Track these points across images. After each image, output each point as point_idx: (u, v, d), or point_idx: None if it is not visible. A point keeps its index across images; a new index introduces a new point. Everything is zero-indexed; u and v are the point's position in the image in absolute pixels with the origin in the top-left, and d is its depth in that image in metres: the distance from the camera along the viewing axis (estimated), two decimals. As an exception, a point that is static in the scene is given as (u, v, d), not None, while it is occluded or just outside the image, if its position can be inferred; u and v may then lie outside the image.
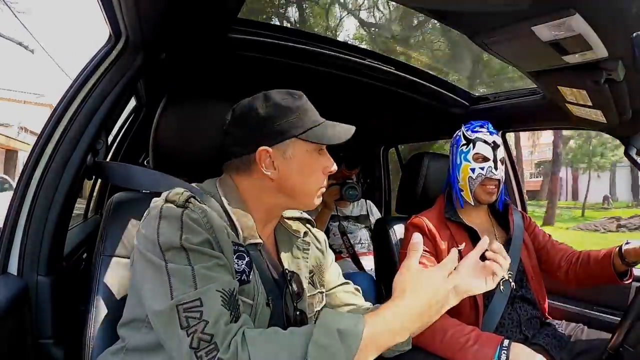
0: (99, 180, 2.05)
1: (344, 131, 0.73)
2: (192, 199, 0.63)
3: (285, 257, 0.77)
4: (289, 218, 0.85)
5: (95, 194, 2.16)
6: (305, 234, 0.84)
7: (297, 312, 0.74)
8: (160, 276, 0.56)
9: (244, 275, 0.65)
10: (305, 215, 0.89)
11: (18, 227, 0.84)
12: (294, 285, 0.74)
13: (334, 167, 0.76)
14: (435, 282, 0.62)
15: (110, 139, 1.20)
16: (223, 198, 0.71)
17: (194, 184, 0.75)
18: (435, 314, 0.62)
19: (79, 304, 0.96)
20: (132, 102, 1.73)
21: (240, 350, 0.51)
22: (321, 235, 0.91)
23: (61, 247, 0.93)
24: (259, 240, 0.71)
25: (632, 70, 0.76)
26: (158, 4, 0.80)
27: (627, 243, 1.09)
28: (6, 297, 0.74)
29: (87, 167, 0.91)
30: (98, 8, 0.86)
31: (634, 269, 1.13)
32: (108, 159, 1.28)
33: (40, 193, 0.85)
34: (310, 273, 0.81)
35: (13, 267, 0.83)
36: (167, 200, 0.62)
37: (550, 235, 1.33)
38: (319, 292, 0.83)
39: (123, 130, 1.93)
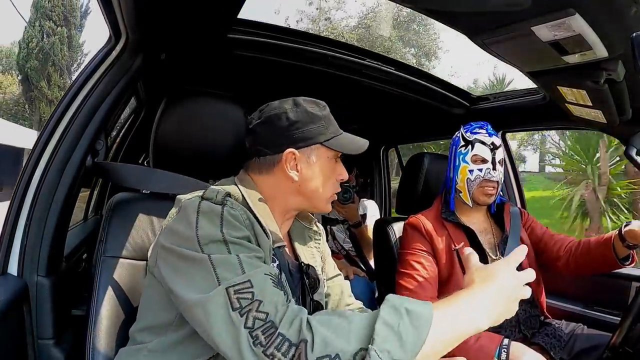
0: (100, 181, 2.05)
1: (362, 143, 0.80)
2: (229, 197, 0.65)
3: (300, 249, 0.81)
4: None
5: (95, 194, 2.16)
6: (315, 224, 0.88)
7: (314, 304, 0.76)
8: (201, 268, 0.56)
9: (278, 279, 0.65)
10: None
11: (18, 228, 0.84)
12: (310, 278, 0.77)
13: (347, 176, 0.79)
14: (502, 275, 0.61)
15: (110, 139, 1.20)
16: (248, 200, 0.70)
17: (211, 182, 0.76)
18: (505, 310, 0.60)
19: (79, 305, 0.96)
20: (133, 103, 1.73)
21: (305, 329, 0.51)
22: (320, 225, 0.93)
23: (61, 248, 0.93)
24: (283, 243, 0.73)
25: (632, 70, 0.76)
26: (158, 4, 0.80)
27: (626, 225, 1.06)
28: (6, 297, 0.74)
29: (87, 167, 0.91)
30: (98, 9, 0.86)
31: (635, 261, 1.11)
32: (108, 160, 1.28)
33: (40, 193, 0.85)
34: (321, 262, 0.84)
35: (13, 268, 0.83)
36: (203, 198, 0.63)
37: (547, 228, 1.32)
38: (324, 279, 0.85)
39: (123, 130, 1.93)
